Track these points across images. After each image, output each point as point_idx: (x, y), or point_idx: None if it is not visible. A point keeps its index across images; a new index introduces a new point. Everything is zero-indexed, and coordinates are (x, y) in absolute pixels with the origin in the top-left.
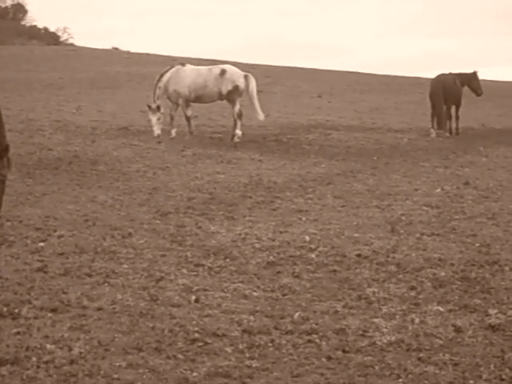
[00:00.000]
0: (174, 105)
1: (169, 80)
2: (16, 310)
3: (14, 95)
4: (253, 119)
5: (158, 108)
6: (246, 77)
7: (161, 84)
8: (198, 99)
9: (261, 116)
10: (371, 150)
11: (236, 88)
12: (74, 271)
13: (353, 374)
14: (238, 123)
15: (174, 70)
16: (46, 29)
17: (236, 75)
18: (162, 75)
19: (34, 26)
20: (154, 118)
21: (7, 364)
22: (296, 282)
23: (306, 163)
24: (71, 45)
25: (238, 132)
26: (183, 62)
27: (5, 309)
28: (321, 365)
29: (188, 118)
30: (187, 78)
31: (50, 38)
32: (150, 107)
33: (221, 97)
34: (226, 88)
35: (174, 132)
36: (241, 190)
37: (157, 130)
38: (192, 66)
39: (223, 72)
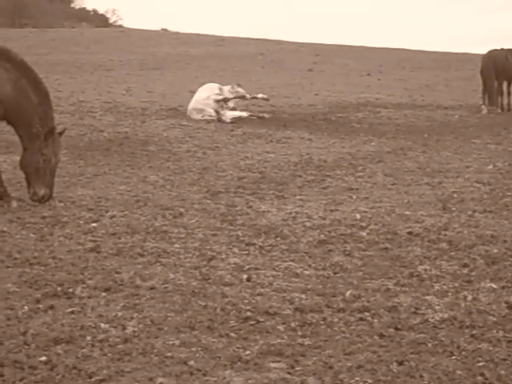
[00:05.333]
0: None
1: None
2: (70, 290)
3: (65, 77)
4: (302, 98)
5: None
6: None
7: None
8: None
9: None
10: (421, 128)
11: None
12: (127, 251)
13: (405, 352)
14: None
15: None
16: (95, 11)
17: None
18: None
19: (84, 9)
20: None
21: (62, 343)
22: (347, 260)
23: (356, 141)
24: (120, 26)
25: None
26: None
27: (59, 288)
28: (373, 342)
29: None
30: None
31: (99, 20)
32: None
33: None
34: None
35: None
36: (291, 168)
37: None
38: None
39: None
